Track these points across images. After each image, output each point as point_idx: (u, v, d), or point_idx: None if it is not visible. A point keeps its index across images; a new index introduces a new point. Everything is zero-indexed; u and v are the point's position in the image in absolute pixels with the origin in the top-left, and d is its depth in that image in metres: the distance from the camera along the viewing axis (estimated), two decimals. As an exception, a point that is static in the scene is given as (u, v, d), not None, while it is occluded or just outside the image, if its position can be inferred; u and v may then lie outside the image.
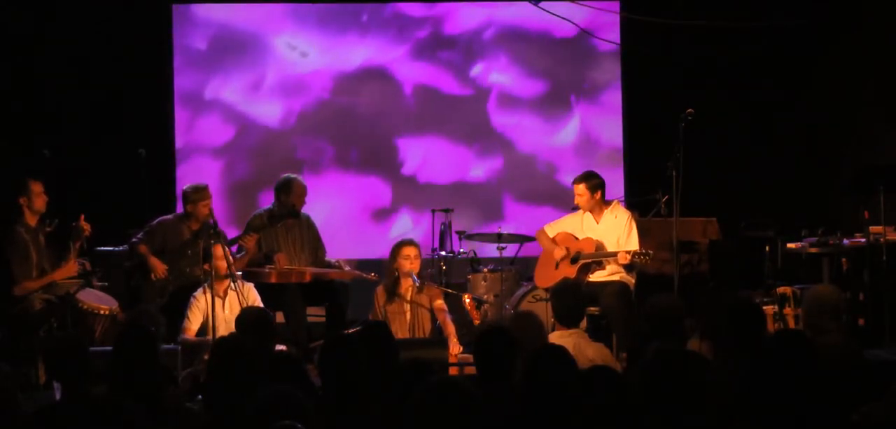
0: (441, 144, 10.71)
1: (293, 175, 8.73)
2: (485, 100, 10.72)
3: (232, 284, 7.73)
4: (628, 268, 8.08)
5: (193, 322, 7.71)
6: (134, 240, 8.35)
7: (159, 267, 8.17)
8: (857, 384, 4.84)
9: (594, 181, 8.22)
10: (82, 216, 7.70)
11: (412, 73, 10.68)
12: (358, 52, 10.63)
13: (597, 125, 10.70)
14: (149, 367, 4.70)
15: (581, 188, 8.20)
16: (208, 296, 7.58)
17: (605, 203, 8.32)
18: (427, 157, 10.73)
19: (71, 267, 7.72)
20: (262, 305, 7.66)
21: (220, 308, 7.68)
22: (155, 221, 8.40)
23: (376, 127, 10.66)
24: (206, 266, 7.72)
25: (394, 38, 10.66)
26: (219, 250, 7.70)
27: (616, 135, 10.70)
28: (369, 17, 10.65)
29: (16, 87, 10.03)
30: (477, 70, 10.70)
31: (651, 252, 7.98)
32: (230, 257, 7.70)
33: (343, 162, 10.69)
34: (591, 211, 8.27)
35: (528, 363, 4.36)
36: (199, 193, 8.37)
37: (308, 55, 10.64)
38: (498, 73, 10.70)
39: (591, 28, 10.35)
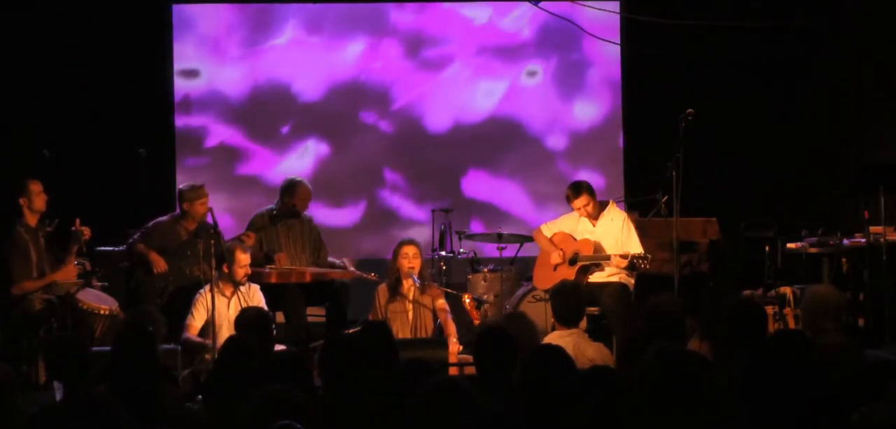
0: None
1: (299, 179, 8.72)
2: (484, 101, 10.72)
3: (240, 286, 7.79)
4: (628, 268, 8.09)
5: (197, 320, 7.71)
6: (131, 241, 8.35)
7: (160, 262, 8.15)
8: (857, 384, 4.83)
9: (591, 188, 8.26)
10: (78, 221, 7.68)
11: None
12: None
13: (597, 125, 10.68)
14: (148, 367, 4.70)
15: (585, 199, 8.20)
16: (213, 295, 7.58)
17: (601, 206, 8.33)
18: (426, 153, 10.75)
19: (69, 271, 7.70)
20: (266, 306, 7.67)
21: (225, 308, 7.69)
22: (150, 223, 8.40)
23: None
24: (204, 266, 7.73)
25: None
26: (242, 258, 7.72)
27: (616, 135, 10.68)
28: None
29: (16, 86, 10.01)
30: (472, 73, 10.72)
31: (650, 256, 8.00)
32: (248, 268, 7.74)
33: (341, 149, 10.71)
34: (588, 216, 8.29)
35: (527, 363, 4.36)
36: (196, 192, 8.36)
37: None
38: (496, 74, 10.70)
39: (590, 28, 10.33)
